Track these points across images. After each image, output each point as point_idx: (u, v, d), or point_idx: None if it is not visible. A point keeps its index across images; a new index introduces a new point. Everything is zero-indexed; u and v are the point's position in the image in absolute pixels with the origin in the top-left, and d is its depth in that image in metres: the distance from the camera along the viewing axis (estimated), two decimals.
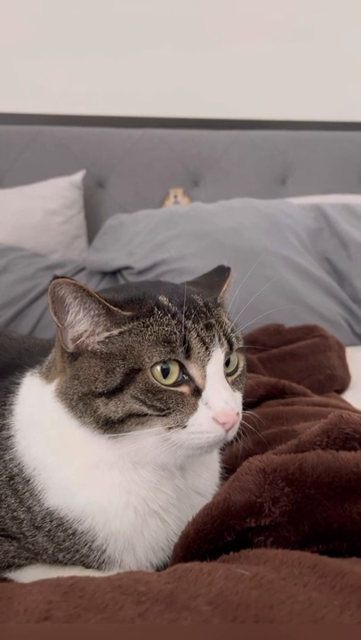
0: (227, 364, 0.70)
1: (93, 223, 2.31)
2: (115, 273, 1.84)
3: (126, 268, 1.80)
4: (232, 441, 0.69)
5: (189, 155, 2.38)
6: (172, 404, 0.64)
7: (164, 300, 0.68)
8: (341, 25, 2.58)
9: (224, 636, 0.46)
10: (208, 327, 0.67)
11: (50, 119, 2.37)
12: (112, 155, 2.36)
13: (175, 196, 2.36)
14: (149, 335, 0.65)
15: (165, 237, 1.82)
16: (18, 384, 0.78)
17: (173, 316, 0.66)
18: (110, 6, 2.37)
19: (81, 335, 0.67)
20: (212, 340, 0.66)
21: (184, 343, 0.65)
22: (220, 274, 0.83)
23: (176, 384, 0.65)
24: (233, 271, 0.83)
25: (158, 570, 0.70)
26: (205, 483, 0.76)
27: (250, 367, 0.95)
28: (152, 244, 1.81)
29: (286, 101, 2.58)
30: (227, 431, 0.65)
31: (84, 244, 2.23)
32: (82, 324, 0.66)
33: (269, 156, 2.47)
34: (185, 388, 0.65)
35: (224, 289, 0.79)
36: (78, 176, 2.24)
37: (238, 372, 0.72)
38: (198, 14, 2.43)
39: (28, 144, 2.28)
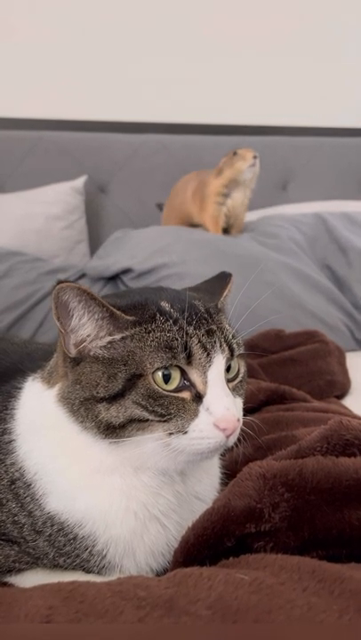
0: (227, 369, 0.70)
1: (95, 228, 2.32)
2: (115, 279, 1.85)
3: (126, 271, 1.81)
4: (232, 446, 0.69)
5: (191, 160, 2.39)
6: (173, 409, 0.64)
7: (165, 305, 0.69)
8: (342, 30, 2.60)
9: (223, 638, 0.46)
10: (209, 333, 0.67)
11: (51, 124, 2.38)
12: (113, 160, 2.37)
13: (255, 157, 1.92)
14: (151, 341, 0.65)
15: (167, 242, 1.84)
16: (19, 388, 0.79)
17: (175, 322, 0.66)
18: (112, 11, 2.38)
19: (84, 340, 0.67)
20: (213, 346, 0.67)
21: (185, 349, 0.65)
22: (222, 280, 0.83)
23: (177, 390, 0.65)
24: (234, 277, 0.83)
25: (158, 575, 0.70)
26: (206, 488, 0.76)
27: (250, 372, 0.96)
28: (154, 247, 1.83)
29: (287, 107, 2.59)
30: (227, 437, 0.65)
31: (85, 250, 2.23)
32: (85, 328, 0.67)
33: (270, 162, 2.47)
34: (186, 394, 0.65)
35: (225, 294, 0.79)
36: (80, 181, 2.25)
37: (239, 378, 0.73)
38: (199, 20, 2.45)
39: (30, 149, 2.29)
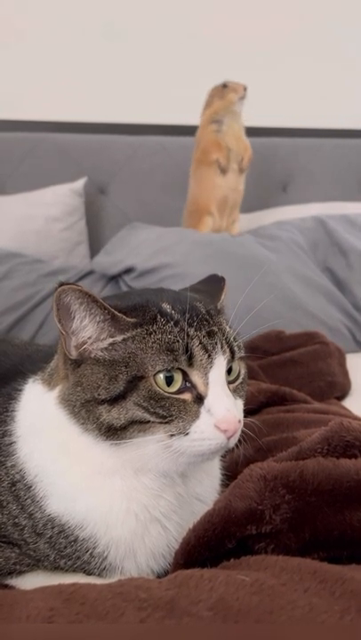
0: (228, 371, 0.70)
1: (95, 229, 2.32)
2: (117, 278, 1.86)
3: (130, 270, 1.81)
4: (233, 448, 0.69)
5: (190, 161, 2.38)
6: (175, 411, 0.64)
7: (166, 307, 0.69)
8: (342, 30, 2.59)
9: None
10: (210, 335, 0.67)
11: (51, 126, 2.38)
12: (113, 161, 2.37)
13: (245, 89, 1.98)
14: (152, 343, 0.65)
15: (172, 242, 1.86)
16: (20, 390, 0.79)
17: (176, 323, 0.66)
18: (111, 12, 2.38)
19: (85, 342, 0.67)
20: (214, 348, 0.67)
21: (187, 351, 0.65)
22: (216, 283, 0.83)
23: (178, 391, 0.65)
24: (234, 279, 0.83)
25: (159, 576, 0.70)
26: (206, 489, 0.76)
27: (251, 374, 0.96)
28: (158, 246, 1.85)
29: (287, 108, 2.58)
30: (228, 438, 0.65)
31: (85, 251, 2.23)
32: (87, 330, 0.67)
33: (270, 163, 2.48)
34: (187, 396, 0.65)
35: (222, 298, 0.79)
36: (80, 183, 2.25)
37: (240, 380, 0.73)
38: (199, 20, 2.44)
39: (30, 151, 2.29)
